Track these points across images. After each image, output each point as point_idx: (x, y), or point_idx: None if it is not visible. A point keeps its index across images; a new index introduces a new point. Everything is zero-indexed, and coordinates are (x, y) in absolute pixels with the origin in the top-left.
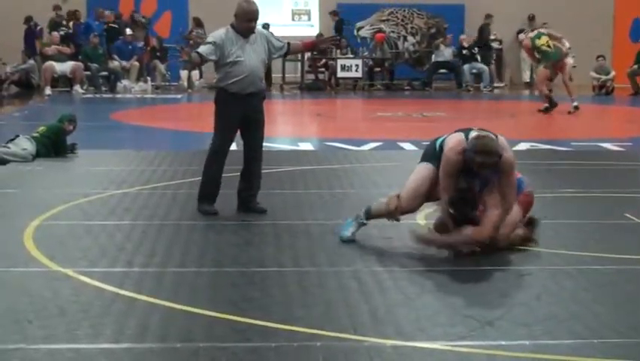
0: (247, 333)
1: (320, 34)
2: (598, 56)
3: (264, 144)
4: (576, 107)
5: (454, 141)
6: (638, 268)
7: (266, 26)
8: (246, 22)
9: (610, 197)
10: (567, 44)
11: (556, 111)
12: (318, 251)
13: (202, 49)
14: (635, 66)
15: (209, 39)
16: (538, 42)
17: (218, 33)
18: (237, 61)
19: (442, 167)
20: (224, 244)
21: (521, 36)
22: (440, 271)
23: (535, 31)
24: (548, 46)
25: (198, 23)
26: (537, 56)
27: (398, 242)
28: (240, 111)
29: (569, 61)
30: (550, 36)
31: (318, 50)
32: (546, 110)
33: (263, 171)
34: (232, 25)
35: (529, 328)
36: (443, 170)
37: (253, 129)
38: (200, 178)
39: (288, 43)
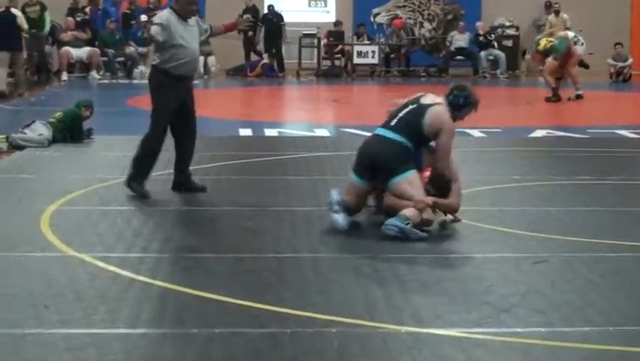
0: (263, 319)
1: (338, 22)
2: (616, 44)
3: (280, 130)
4: (578, 96)
5: (445, 114)
6: None
7: (271, 7)
8: (188, 5)
9: (626, 184)
10: (570, 34)
11: (572, 100)
12: (333, 238)
13: (152, 29)
14: None
15: (157, 20)
16: (540, 47)
17: (164, 15)
18: (181, 44)
19: (449, 138)
20: (240, 230)
21: (527, 57)
22: (456, 258)
23: (533, 45)
24: (550, 42)
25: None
26: (549, 57)
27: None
28: (179, 93)
29: (578, 49)
30: (549, 34)
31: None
32: (548, 100)
33: (279, 158)
34: (173, 8)
35: (545, 315)
36: (450, 140)
37: (189, 112)
38: (136, 157)
39: (211, 26)
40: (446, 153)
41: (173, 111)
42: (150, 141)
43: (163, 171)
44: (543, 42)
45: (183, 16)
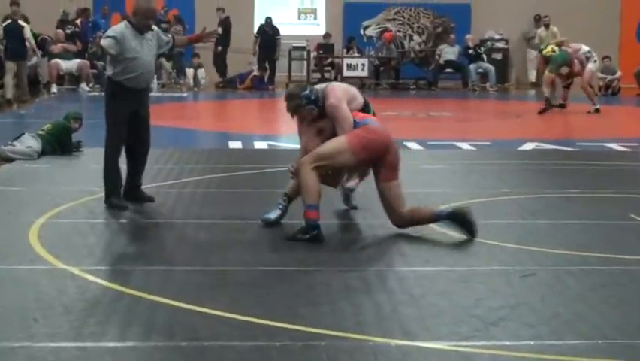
0: (252, 332)
1: (327, 34)
2: (604, 57)
3: (270, 142)
4: (597, 110)
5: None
6: None
7: (269, 19)
8: (145, 19)
9: (615, 197)
10: (585, 48)
11: (562, 112)
12: (321, 251)
13: (104, 42)
14: None
15: (110, 33)
16: (544, 51)
17: (118, 28)
18: (135, 57)
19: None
20: (229, 243)
21: (536, 54)
22: (445, 271)
23: (542, 45)
24: (553, 51)
25: (178, 20)
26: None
27: (403, 242)
28: (132, 106)
29: (590, 66)
30: (557, 43)
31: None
32: (541, 112)
33: (268, 170)
34: (129, 21)
35: (534, 328)
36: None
37: (143, 123)
38: (104, 174)
39: (173, 38)
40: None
41: (126, 123)
42: (110, 153)
43: (150, 184)
44: (549, 48)
45: (139, 30)
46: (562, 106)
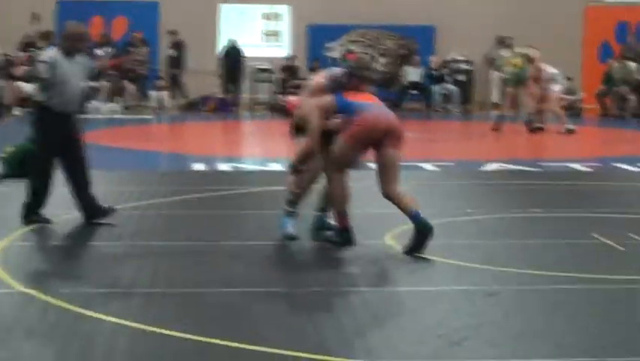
0: (215, 354)
1: (292, 56)
2: (566, 78)
3: (234, 164)
4: (570, 130)
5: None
6: (605, 287)
7: (233, 41)
8: (75, 43)
9: (578, 217)
10: (551, 70)
11: (525, 132)
12: (285, 272)
13: (37, 67)
14: (603, 87)
15: (43, 58)
16: (505, 64)
17: (49, 53)
18: (65, 81)
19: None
20: (192, 265)
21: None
22: (409, 292)
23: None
24: (514, 65)
25: (143, 42)
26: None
27: (367, 263)
28: (62, 130)
29: (555, 88)
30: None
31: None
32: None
33: (232, 192)
34: (60, 46)
35: (498, 347)
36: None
37: (76, 146)
38: (31, 192)
39: (96, 63)
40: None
41: (57, 147)
42: (40, 177)
43: (113, 206)
44: (511, 62)
45: (70, 54)
46: (538, 129)
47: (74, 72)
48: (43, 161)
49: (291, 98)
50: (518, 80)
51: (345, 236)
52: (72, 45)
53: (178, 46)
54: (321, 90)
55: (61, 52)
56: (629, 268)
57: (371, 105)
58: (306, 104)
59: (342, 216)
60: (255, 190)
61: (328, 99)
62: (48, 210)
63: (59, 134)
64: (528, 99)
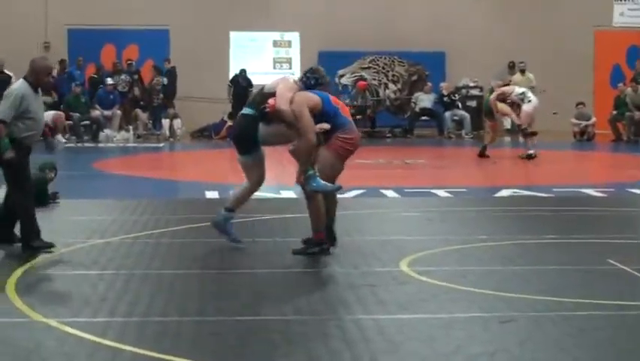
0: None
1: None
2: (577, 103)
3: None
4: (529, 156)
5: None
6: (621, 313)
7: (243, 72)
8: (44, 76)
9: (592, 243)
10: (519, 90)
11: (539, 158)
12: (298, 299)
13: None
14: (615, 112)
15: (16, 92)
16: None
17: (21, 87)
18: (34, 117)
19: (284, 87)
20: (206, 293)
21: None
22: (423, 319)
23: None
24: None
25: (158, 71)
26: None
27: (381, 290)
28: (25, 161)
29: (525, 108)
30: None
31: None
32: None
33: (248, 220)
34: (27, 80)
35: None
36: (284, 89)
37: (26, 173)
38: (23, 221)
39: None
40: (280, 97)
41: (28, 176)
42: (26, 206)
43: (127, 235)
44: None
45: (35, 88)
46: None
47: (39, 106)
48: (25, 192)
49: (270, 100)
50: (486, 111)
51: (323, 247)
52: (40, 78)
53: (170, 74)
54: (292, 89)
55: (29, 85)
56: None
57: (352, 123)
58: (298, 101)
59: (321, 231)
60: (267, 217)
61: (316, 99)
62: (63, 238)
63: (26, 165)
64: (487, 129)
